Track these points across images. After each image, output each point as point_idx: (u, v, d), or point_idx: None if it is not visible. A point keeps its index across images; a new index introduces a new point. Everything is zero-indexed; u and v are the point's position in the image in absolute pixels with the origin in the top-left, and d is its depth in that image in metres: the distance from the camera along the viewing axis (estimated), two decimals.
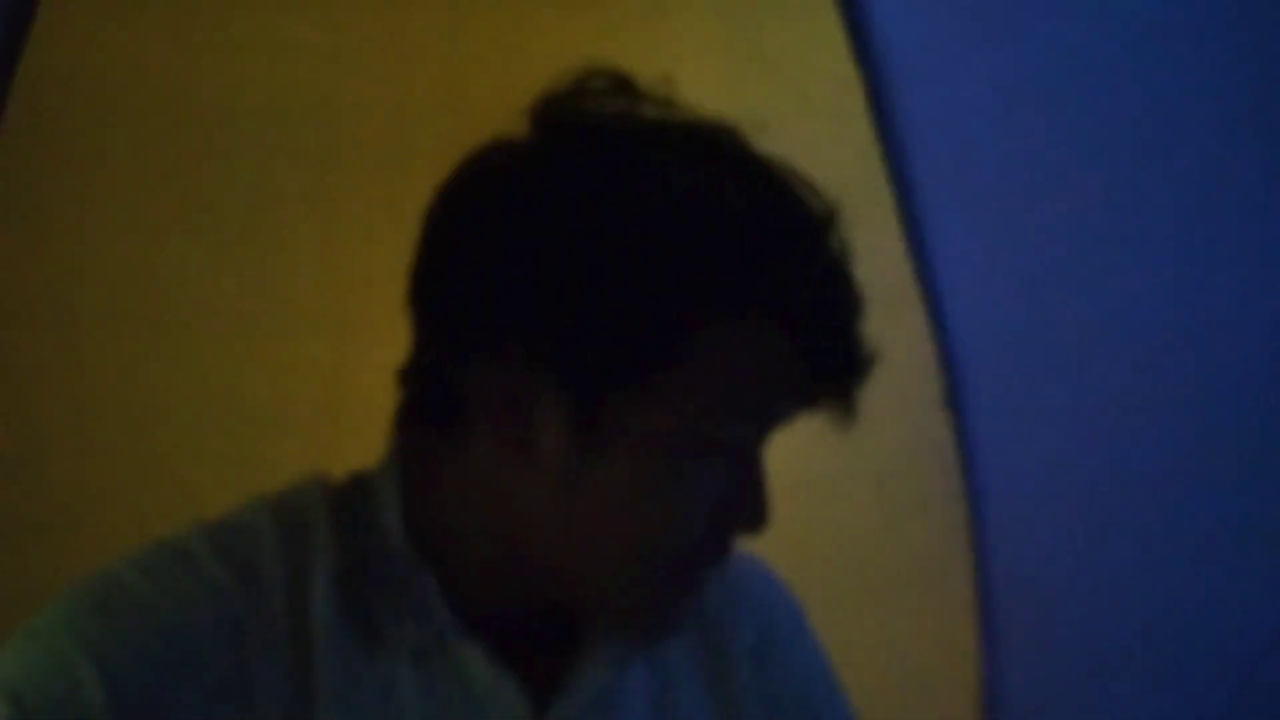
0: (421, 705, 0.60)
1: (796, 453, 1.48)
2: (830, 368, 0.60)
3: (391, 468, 0.64)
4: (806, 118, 1.21)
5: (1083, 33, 1.10)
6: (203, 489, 1.21)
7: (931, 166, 1.13)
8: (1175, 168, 1.05)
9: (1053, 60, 1.05)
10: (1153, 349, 1.16)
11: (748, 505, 0.62)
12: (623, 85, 0.60)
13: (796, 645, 0.76)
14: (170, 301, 1.21)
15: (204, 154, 1.18)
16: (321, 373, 1.23)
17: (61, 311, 1.19)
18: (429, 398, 0.63)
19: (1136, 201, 1.06)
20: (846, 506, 1.49)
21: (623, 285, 0.56)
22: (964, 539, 1.52)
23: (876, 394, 1.46)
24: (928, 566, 1.51)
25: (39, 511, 1.22)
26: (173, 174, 1.18)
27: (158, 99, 1.16)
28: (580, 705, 0.64)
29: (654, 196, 0.56)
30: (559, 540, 0.60)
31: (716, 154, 0.59)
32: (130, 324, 1.20)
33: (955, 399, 1.39)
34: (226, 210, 1.18)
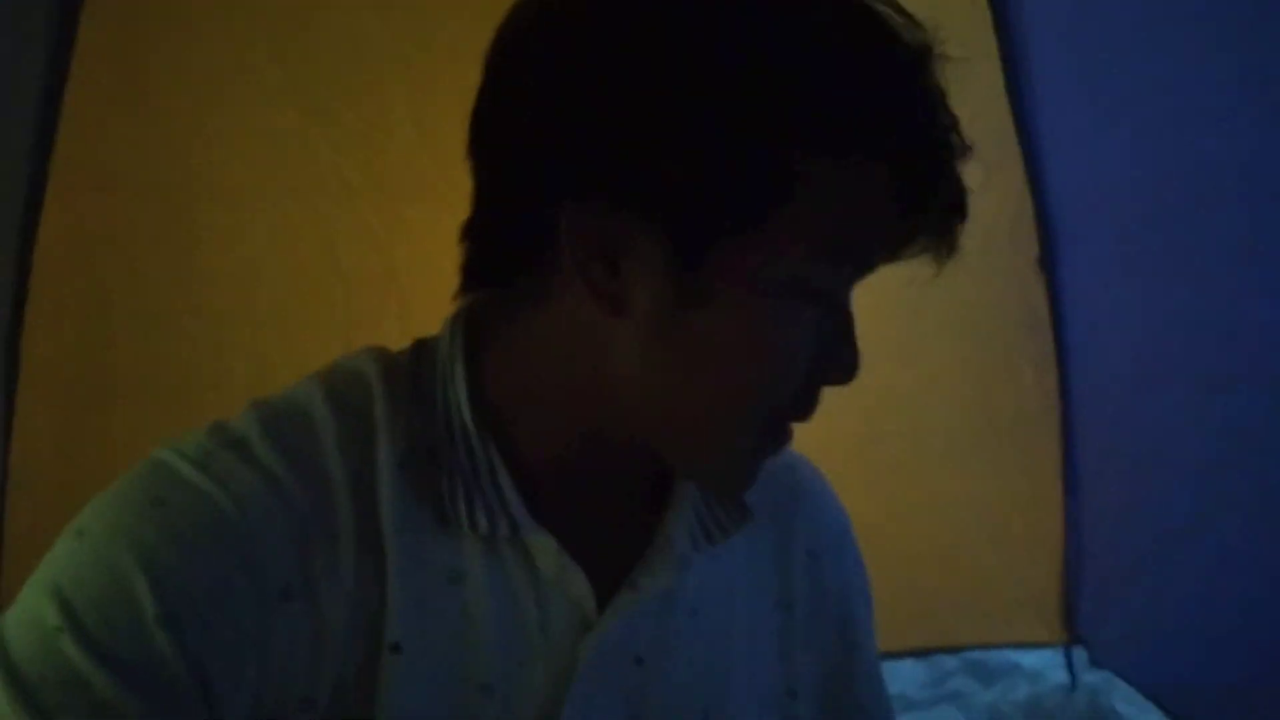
0: (489, 590, 0.58)
1: (890, 313, 1.48)
2: (930, 208, 0.56)
3: (455, 336, 0.60)
4: None
5: None
6: (310, 345, 1.25)
7: (1042, 6, 1.06)
8: None
9: None
10: (1264, 200, 1.09)
11: (841, 356, 0.58)
12: None
13: (844, 554, 0.74)
14: (272, 168, 1.22)
15: (296, 16, 1.18)
16: (418, 236, 1.25)
17: (176, 181, 1.21)
18: (502, 253, 0.58)
19: (1265, 44, 0.97)
20: (939, 367, 1.47)
21: (729, 123, 0.52)
22: (1053, 401, 1.51)
23: (971, 253, 1.44)
24: (1016, 427, 1.51)
25: (159, 367, 1.28)
26: (264, 38, 1.18)
27: None
28: (643, 602, 0.61)
29: (752, 26, 0.52)
30: (652, 396, 0.57)
31: None
32: (236, 191, 1.22)
33: (1050, 258, 1.35)
34: (323, 75, 1.18)
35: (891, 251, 0.58)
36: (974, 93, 1.24)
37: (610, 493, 0.63)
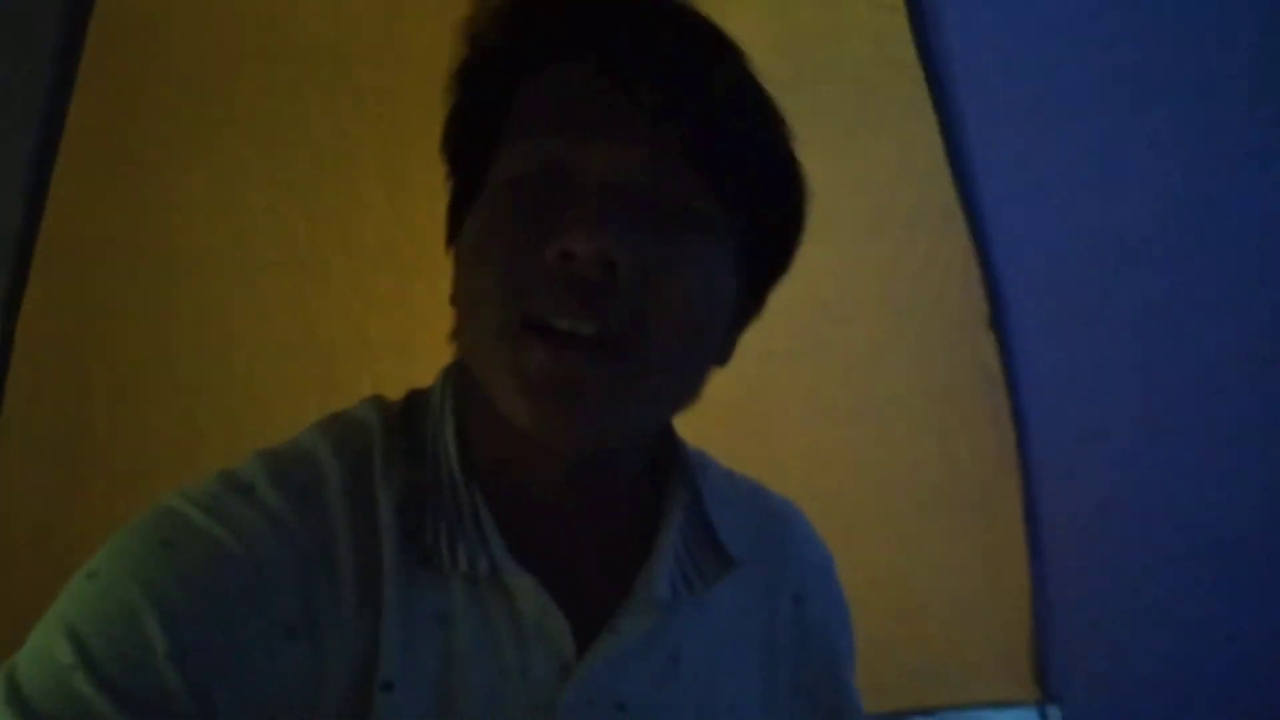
0: (473, 632, 0.60)
1: (848, 374, 1.51)
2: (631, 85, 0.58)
3: (447, 386, 0.64)
4: (852, 38, 1.19)
5: None
6: (285, 416, 1.27)
7: (974, 82, 1.12)
8: (1222, 69, 1.03)
9: None
10: (1193, 254, 1.15)
11: (562, 227, 0.56)
12: None
13: (828, 592, 0.76)
14: (249, 242, 1.26)
15: (273, 95, 1.21)
16: (391, 307, 1.29)
17: (156, 254, 1.23)
18: None
19: (1178, 110, 1.04)
20: (899, 428, 1.50)
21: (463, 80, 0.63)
22: (1013, 459, 1.54)
23: (927, 317, 1.48)
24: (979, 486, 1.52)
25: (136, 437, 1.29)
26: (243, 116, 1.22)
27: (227, 42, 1.19)
28: (623, 646, 0.63)
29: None
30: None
31: None
32: (215, 264, 1.25)
33: (999, 319, 1.39)
34: (298, 152, 1.22)
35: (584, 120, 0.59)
36: (921, 163, 1.31)
37: (594, 540, 0.65)
